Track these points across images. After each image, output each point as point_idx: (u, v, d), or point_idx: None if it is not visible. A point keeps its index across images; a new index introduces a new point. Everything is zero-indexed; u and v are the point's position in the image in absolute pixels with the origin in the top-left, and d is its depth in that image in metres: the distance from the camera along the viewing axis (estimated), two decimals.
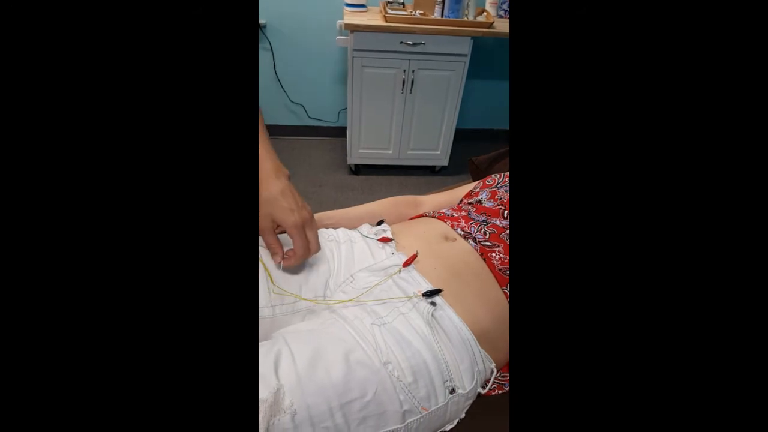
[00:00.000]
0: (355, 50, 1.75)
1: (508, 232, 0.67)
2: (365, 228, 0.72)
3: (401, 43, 1.74)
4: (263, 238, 0.59)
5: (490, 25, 1.76)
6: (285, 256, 0.59)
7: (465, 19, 1.77)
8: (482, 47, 2.20)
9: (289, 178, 0.61)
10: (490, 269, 0.61)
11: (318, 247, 0.60)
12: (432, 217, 0.73)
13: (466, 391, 0.53)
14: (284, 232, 0.59)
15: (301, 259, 0.58)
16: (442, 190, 0.94)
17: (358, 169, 2.20)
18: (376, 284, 0.58)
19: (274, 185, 0.58)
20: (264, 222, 0.58)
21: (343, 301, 0.57)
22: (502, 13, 2.03)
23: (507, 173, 0.84)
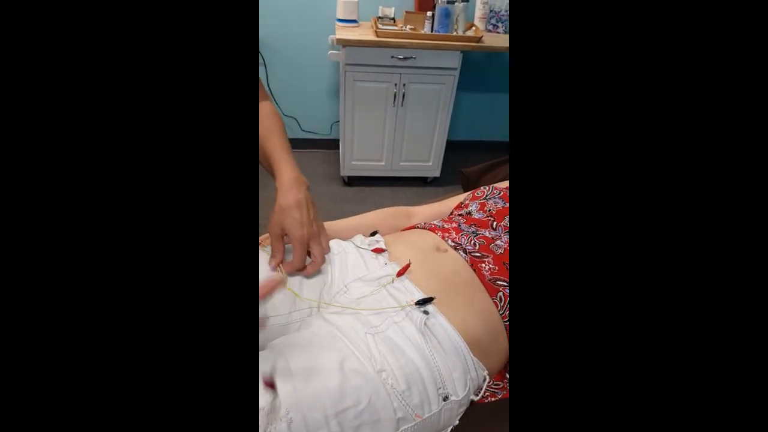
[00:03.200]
0: (347, 64, 1.79)
1: (497, 242, 0.69)
2: (358, 239, 0.73)
3: (392, 57, 1.78)
4: (271, 242, 0.63)
5: (479, 40, 1.81)
6: (281, 264, 0.63)
7: (454, 33, 1.82)
8: (472, 61, 2.25)
9: (308, 188, 0.66)
10: (480, 280, 0.63)
11: (323, 260, 0.64)
12: (424, 228, 0.75)
13: (459, 398, 0.54)
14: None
15: (293, 270, 0.63)
16: (434, 201, 0.96)
17: (351, 181, 2.22)
18: (371, 293, 0.60)
19: (291, 196, 0.63)
20: (274, 228, 0.63)
21: (349, 307, 0.58)
22: (490, 27, 2.08)
23: (495, 185, 0.86)
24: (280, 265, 0.63)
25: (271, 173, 0.68)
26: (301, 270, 0.63)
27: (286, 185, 0.63)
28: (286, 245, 0.65)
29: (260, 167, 0.65)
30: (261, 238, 0.75)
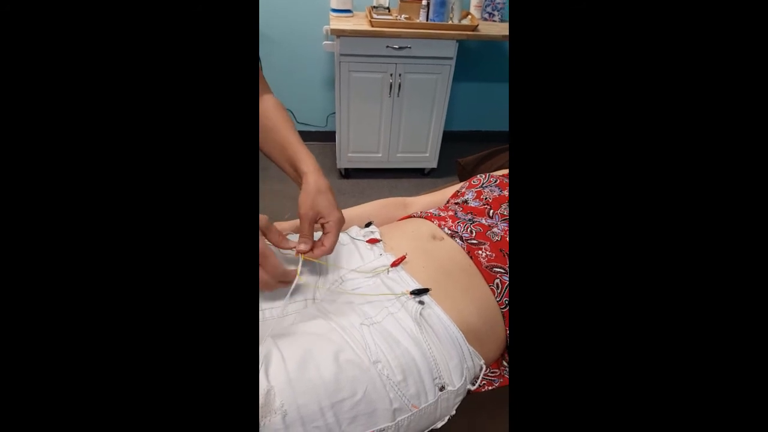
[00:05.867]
0: (342, 55, 1.77)
1: (493, 230, 0.68)
2: (354, 230, 0.73)
3: (387, 47, 1.76)
4: (302, 226, 0.59)
5: (475, 28, 1.79)
6: (310, 248, 0.59)
7: (450, 22, 1.80)
8: (468, 50, 2.23)
9: None
10: (477, 267, 0.62)
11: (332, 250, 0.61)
12: (420, 217, 0.74)
13: (456, 388, 0.53)
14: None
15: (326, 254, 0.59)
16: (430, 192, 0.96)
17: (348, 173, 2.20)
18: (366, 283, 0.59)
19: (323, 179, 0.61)
20: (308, 210, 0.59)
21: (345, 292, 0.58)
22: (486, 15, 2.06)
23: (491, 173, 0.85)
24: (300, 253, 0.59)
25: (290, 162, 0.66)
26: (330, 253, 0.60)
27: (313, 170, 0.62)
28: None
29: (264, 160, 0.63)
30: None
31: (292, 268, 0.57)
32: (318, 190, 0.60)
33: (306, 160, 0.63)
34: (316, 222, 0.60)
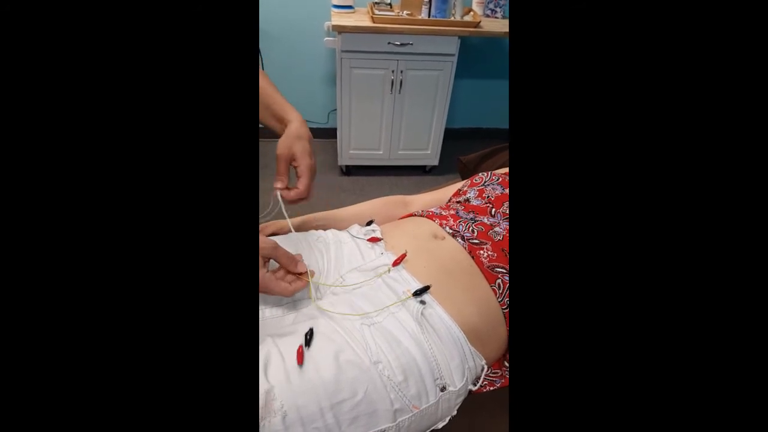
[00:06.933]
0: (343, 51, 1.76)
1: (495, 229, 0.68)
2: (355, 229, 0.72)
3: (389, 43, 1.75)
4: (278, 165, 0.64)
5: (477, 25, 1.78)
6: (287, 188, 0.64)
7: (452, 18, 1.78)
8: (470, 47, 2.22)
9: None
10: (479, 266, 0.62)
11: (309, 196, 0.66)
12: (421, 216, 0.74)
13: (457, 389, 0.53)
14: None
15: (300, 197, 0.64)
16: (431, 190, 0.95)
17: (349, 170, 2.20)
18: (367, 282, 0.59)
19: (305, 128, 0.66)
20: (284, 150, 0.64)
21: (358, 283, 0.58)
22: (488, 12, 2.05)
23: (494, 171, 0.85)
24: (278, 192, 0.64)
25: (276, 117, 0.69)
26: (300, 200, 0.65)
27: (296, 119, 0.66)
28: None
29: (263, 158, 0.67)
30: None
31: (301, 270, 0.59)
32: (298, 135, 0.64)
33: (291, 112, 0.67)
34: (290, 164, 0.64)
